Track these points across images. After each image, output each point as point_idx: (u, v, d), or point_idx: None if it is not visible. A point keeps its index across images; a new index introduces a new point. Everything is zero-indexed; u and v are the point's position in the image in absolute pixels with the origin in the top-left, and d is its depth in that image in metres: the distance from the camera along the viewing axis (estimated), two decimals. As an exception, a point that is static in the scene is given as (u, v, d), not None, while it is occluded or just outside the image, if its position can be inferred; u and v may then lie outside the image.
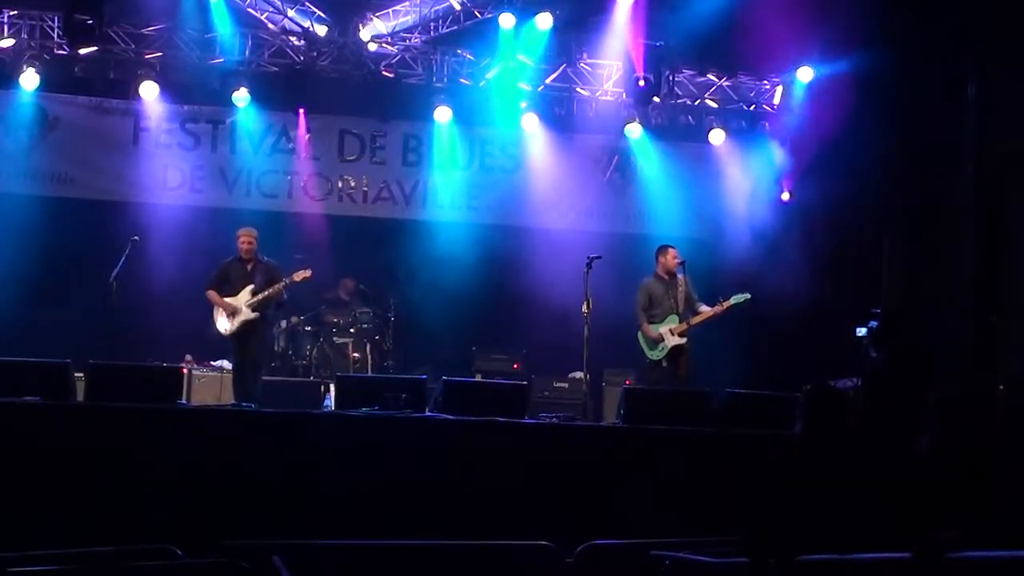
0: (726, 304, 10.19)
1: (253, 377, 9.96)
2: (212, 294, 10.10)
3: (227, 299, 10.04)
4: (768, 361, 11.63)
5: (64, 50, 11.96)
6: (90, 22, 11.19)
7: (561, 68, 12.79)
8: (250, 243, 10.18)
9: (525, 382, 9.90)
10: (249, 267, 10.16)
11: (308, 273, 10.25)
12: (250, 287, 10.05)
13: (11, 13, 11.81)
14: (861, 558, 4.25)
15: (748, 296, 10.26)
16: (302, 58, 12.35)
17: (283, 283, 10.07)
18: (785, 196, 13.07)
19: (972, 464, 4.56)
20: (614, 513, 7.27)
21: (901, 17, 11.44)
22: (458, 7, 12.31)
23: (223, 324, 10.08)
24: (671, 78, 12.85)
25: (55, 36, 11.90)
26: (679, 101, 13.19)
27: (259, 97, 12.38)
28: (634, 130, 12.94)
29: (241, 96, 12.18)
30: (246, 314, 10.00)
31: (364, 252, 12.75)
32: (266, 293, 10.01)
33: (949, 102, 11.56)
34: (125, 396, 7.47)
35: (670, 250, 10.40)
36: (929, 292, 11.65)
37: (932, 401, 4.71)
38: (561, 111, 13.19)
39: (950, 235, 11.70)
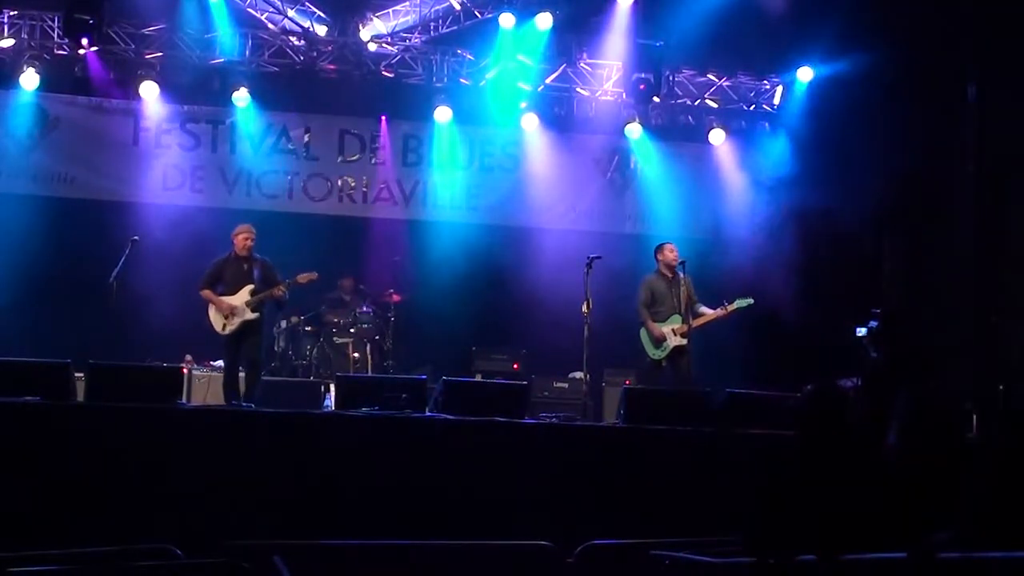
0: (730, 308, 10.20)
1: (254, 378, 9.75)
2: (208, 293, 9.82)
3: (225, 298, 9.79)
4: (768, 361, 11.63)
5: (64, 50, 11.97)
6: (91, 22, 11.19)
7: (561, 68, 12.79)
8: (251, 240, 9.90)
9: (525, 382, 9.88)
10: (246, 266, 9.87)
11: (315, 276, 10.10)
12: (249, 287, 9.80)
13: (11, 13, 11.81)
14: (861, 558, 4.26)
15: (751, 301, 10.26)
16: (302, 58, 12.35)
17: (286, 284, 9.86)
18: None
19: (940, 463, 4.56)
20: (614, 513, 7.28)
21: (901, 17, 11.44)
22: (458, 7, 12.31)
23: (219, 324, 9.81)
24: (671, 78, 12.87)
25: (55, 36, 11.91)
26: (679, 101, 13.19)
27: (259, 97, 12.38)
28: (634, 130, 12.95)
29: (241, 96, 12.18)
30: (246, 314, 9.76)
31: (364, 252, 12.75)
32: (267, 293, 9.80)
33: (949, 102, 11.56)
34: (125, 396, 7.46)
35: (666, 245, 10.42)
36: (929, 292, 11.64)
37: (902, 400, 4.71)
38: (561, 111, 13.19)
39: (950, 235, 11.70)
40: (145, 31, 12.06)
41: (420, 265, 12.51)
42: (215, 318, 9.84)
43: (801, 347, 11.83)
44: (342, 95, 12.77)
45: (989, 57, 11.27)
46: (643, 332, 10.23)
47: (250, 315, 9.76)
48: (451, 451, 7.50)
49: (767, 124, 13.34)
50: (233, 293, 9.81)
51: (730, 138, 13.19)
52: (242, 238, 9.88)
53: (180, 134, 12.70)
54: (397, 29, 12.46)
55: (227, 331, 9.79)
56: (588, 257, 9.66)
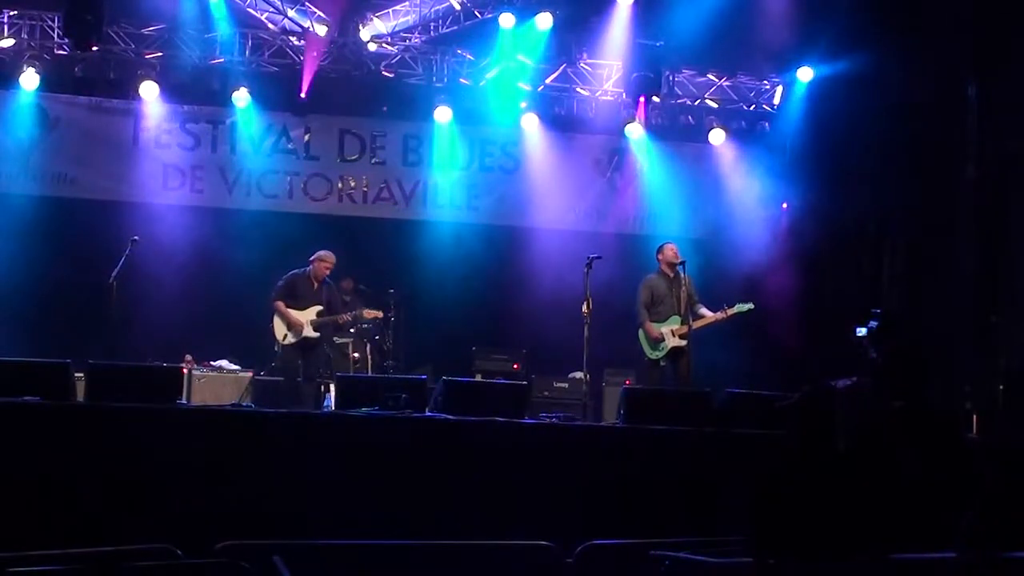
0: (730, 311, 10.22)
1: (313, 390, 10.51)
2: (280, 305, 10.48)
3: (292, 312, 10.43)
4: (768, 361, 11.63)
5: (64, 50, 11.97)
6: (90, 19, 11.17)
7: (561, 68, 12.80)
8: (329, 270, 10.61)
9: (525, 382, 9.90)
10: (316, 286, 10.56)
11: (380, 314, 11.13)
12: (318, 307, 10.50)
13: (11, 13, 11.82)
14: (860, 559, 4.26)
15: (752, 306, 10.28)
16: (302, 58, 12.35)
17: (351, 315, 10.83)
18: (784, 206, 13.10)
19: (887, 466, 4.55)
20: (614, 513, 7.27)
21: (901, 17, 11.44)
22: (458, 7, 12.32)
23: (281, 334, 10.48)
24: (671, 78, 12.87)
25: (55, 36, 11.90)
26: (679, 101, 13.20)
27: (259, 97, 12.38)
28: (634, 130, 12.95)
29: (241, 96, 12.19)
30: (308, 331, 10.45)
31: (364, 252, 12.75)
32: (332, 318, 10.61)
33: (949, 102, 11.56)
34: (125, 396, 7.44)
35: (668, 246, 10.44)
36: (929, 292, 11.64)
37: (845, 403, 4.70)
38: (561, 111, 13.20)
39: (950, 235, 11.70)
40: (145, 31, 12.07)
41: (420, 265, 12.51)
42: (278, 328, 10.52)
43: (801, 347, 11.84)
44: (342, 95, 12.77)
45: (989, 57, 11.26)
46: (641, 332, 10.24)
47: (311, 333, 10.51)
48: (451, 451, 7.49)
49: (767, 124, 13.34)
50: (301, 309, 10.48)
51: (730, 138, 13.19)
52: (324, 266, 10.64)
53: (180, 134, 12.70)
54: (397, 29, 12.47)
55: (286, 342, 10.49)
56: (588, 257, 9.66)
